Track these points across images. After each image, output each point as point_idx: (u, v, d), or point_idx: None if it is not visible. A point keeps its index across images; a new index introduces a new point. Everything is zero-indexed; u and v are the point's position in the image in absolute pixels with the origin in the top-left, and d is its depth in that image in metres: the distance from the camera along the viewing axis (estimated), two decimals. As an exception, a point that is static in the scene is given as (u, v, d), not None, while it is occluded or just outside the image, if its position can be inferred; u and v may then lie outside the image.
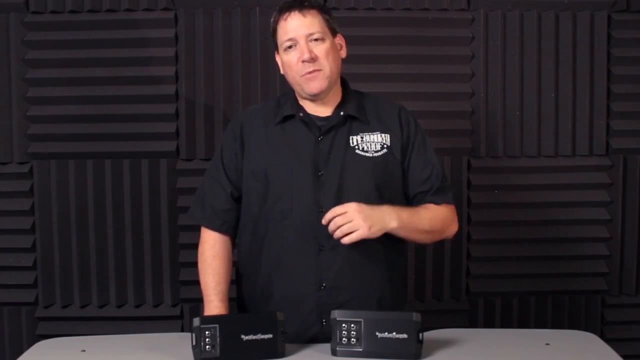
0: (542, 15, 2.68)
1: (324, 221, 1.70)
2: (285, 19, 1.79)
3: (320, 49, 1.77)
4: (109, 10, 2.62)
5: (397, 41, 2.66)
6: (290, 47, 1.78)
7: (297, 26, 1.77)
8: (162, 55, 2.64)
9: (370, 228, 1.69)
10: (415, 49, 2.67)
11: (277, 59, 1.88)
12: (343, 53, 1.87)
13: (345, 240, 1.69)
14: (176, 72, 2.64)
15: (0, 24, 2.62)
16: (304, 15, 1.78)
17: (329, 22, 1.82)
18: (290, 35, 1.78)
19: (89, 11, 2.62)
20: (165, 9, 2.63)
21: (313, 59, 1.76)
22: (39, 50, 2.63)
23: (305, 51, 1.76)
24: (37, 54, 2.63)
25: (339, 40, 1.86)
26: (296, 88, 1.83)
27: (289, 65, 1.80)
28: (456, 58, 2.69)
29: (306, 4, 1.80)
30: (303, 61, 1.76)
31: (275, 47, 1.87)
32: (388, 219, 1.73)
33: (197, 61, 2.65)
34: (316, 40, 1.77)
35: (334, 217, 1.69)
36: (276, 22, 1.82)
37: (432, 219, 1.83)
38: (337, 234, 1.69)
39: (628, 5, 2.69)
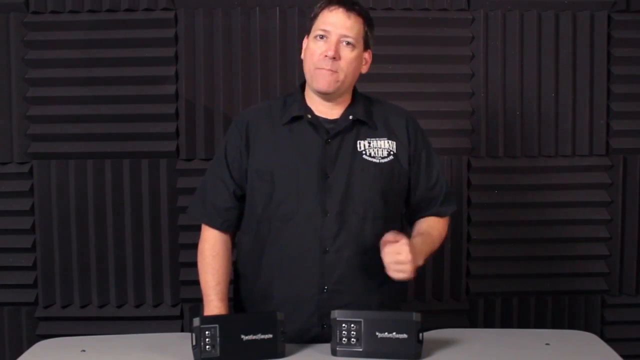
0: (542, 15, 2.68)
1: (388, 244, 1.68)
2: (331, 10, 1.78)
3: (346, 54, 1.76)
4: (109, 10, 2.62)
5: (397, 41, 2.66)
6: (321, 37, 1.77)
7: (337, 22, 1.76)
8: (162, 55, 2.64)
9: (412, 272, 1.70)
10: (415, 49, 2.67)
11: (304, 42, 1.86)
12: (365, 69, 1.86)
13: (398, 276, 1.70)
14: (176, 72, 2.64)
15: (0, 24, 2.63)
16: (348, 17, 1.77)
17: (367, 35, 1.81)
18: (327, 27, 1.76)
19: (89, 11, 2.62)
20: (165, 9, 2.63)
21: (335, 58, 1.75)
22: (39, 50, 2.63)
23: (331, 48, 1.74)
24: (37, 54, 2.63)
25: (367, 55, 1.85)
26: (307, 77, 1.82)
27: (311, 53, 1.78)
28: (456, 58, 2.69)
29: (356, 7, 1.79)
30: (325, 56, 1.75)
31: (307, 31, 1.84)
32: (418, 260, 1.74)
33: (197, 61, 2.64)
34: (347, 44, 1.76)
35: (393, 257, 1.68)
36: (320, 9, 1.80)
37: (440, 238, 1.90)
38: (391, 268, 1.69)
39: (628, 5, 2.69)
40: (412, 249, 1.68)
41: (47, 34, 2.62)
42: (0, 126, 2.65)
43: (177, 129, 2.66)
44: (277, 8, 2.63)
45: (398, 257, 1.66)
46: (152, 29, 2.63)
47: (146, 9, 2.62)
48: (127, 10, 2.62)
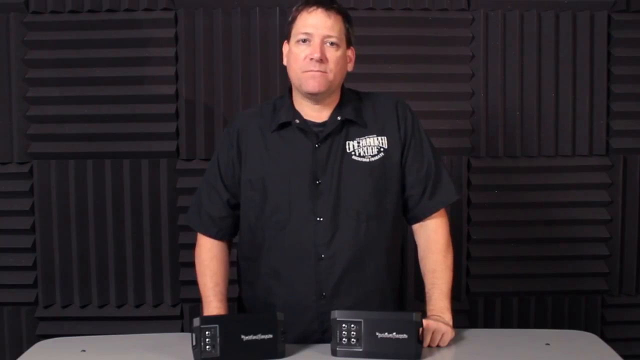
0: (542, 15, 2.68)
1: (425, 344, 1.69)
2: (310, 12, 1.75)
3: (331, 54, 1.74)
4: (109, 10, 2.62)
5: (397, 41, 2.66)
6: (304, 40, 1.74)
7: (318, 23, 1.73)
8: (162, 55, 2.64)
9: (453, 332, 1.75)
10: (415, 49, 2.67)
11: (284, 47, 1.83)
12: (350, 66, 1.83)
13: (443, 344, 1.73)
14: (176, 72, 2.64)
15: (0, 24, 2.62)
16: (328, 16, 1.74)
17: (348, 32, 1.79)
18: (308, 30, 1.73)
19: (89, 11, 2.62)
20: (165, 9, 2.63)
21: (322, 60, 1.72)
22: (39, 50, 2.63)
23: (317, 50, 1.72)
24: (37, 54, 2.63)
25: (351, 53, 1.83)
26: (294, 82, 1.79)
27: (295, 58, 1.76)
28: (456, 58, 2.69)
29: (334, 5, 1.77)
30: (311, 59, 1.72)
31: (286, 36, 1.82)
32: (450, 316, 1.79)
33: (197, 61, 2.65)
34: (331, 44, 1.74)
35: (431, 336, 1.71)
36: (298, 12, 1.77)
37: (448, 257, 1.85)
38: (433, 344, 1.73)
39: (628, 5, 2.69)
40: (446, 322, 1.75)
41: (47, 34, 2.62)
42: (0, 126, 2.65)
43: (177, 129, 2.66)
44: (277, 8, 2.63)
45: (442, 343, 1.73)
46: (152, 29, 2.63)
47: (146, 9, 2.62)
48: (127, 10, 2.62)
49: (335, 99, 1.83)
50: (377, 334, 1.61)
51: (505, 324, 2.74)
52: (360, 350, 1.61)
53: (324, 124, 1.80)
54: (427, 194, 1.84)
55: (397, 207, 1.85)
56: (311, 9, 1.75)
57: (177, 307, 2.73)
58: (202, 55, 2.64)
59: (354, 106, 1.83)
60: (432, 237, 1.85)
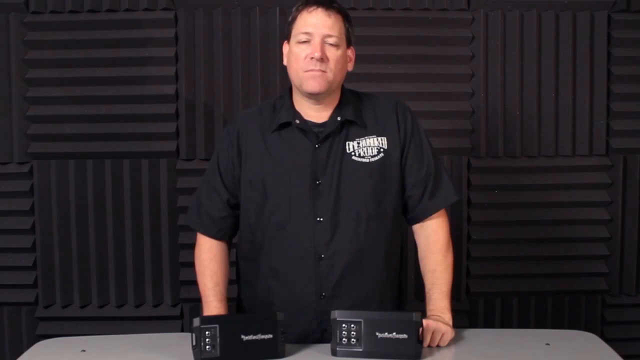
0: (542, 15, 2.68)
1: (425, 344, 1.69)
2: (310, 12, 1.75)
3: (332, 54, 1.74)
4: (109, 10, 2.62)
5: (397, 41, 2.66)
6: (304, 41, 1.74)
7: (318, 22, 1.74)
8: (162, 55, 2.64)
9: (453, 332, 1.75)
10: (415, 49, 2.67)
11: (284, 47, 1.83)
12: (350, 66, 1.84)
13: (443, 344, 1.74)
14: (176, 72, 2.64)
15: (0, 24, 2.63)
16: (328, 16, 1.74)
17: (348, 32, 1.80)
18: (309, 30, 1.74)
19: (89, 11, 2.62)
20: (165, 9, 2.63)
21: (322, 60, 1.73)
22: (39, 50, 2.63)
23: (317, 49, 1.72)
24: (37, 54, 2.63)
25: (351, 53, 1.83)
26: (295, 82, 1.79)
27: (295, 58, 1.76)
28: (456, 58, 2.69)
29: (334, 5, 1.77)
30: (312, 58, 1.72)
31: (286, 36, 1.82)
32: (450, 316, 1.80)
33: (197, 61, 2.65)
34: (331, 44, 1.74)
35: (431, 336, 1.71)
36: (298, 12, 1.78)
37: (448, 257, 1.86)
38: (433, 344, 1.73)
39: (628, 5, 2.69)
40: (446, 321, 1.75)
41: (47, 34, 2.62)
42: (0, 126, 2.65)
43: (177, 129, 2.66)
44: (277, 8, 2.63)
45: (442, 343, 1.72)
46: (152, 29, 2.63)
47: (146, 9, 2.62)
48: (127, 10, 2.62)
49: (335, 99, 1.83)
50: (377, 334, 1.61)
51: (505, 324, 2.74)
52: (360, 350, 1.61)
53: (324, 124, 1.80)
54: (427, 194, 1.84)
55: (397, 208, 1.85)
56: (311, 8, 1.75)
57: (177, 307, 2.73)
58: (202, 55, 2.64)
59: (354, 107, 1.83)
60: (432, 237, 1.85)
